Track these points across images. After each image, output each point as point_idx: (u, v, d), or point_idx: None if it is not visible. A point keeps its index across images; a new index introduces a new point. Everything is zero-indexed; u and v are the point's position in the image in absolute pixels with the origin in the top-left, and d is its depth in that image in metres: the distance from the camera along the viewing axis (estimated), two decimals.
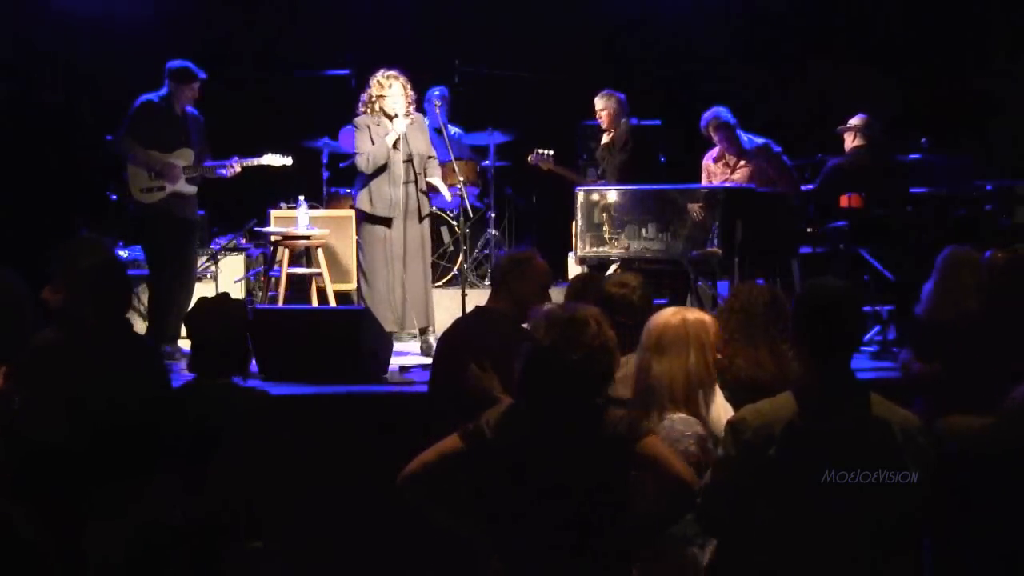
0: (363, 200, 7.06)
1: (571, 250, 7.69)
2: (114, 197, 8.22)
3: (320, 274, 7.70)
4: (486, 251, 9.09)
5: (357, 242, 7.30)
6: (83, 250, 3.82)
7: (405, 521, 3.32)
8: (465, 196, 7.36)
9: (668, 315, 3.67)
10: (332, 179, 9.01)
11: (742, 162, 7.72)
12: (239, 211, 8.62)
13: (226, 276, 8.27)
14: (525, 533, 3.08)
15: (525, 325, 3.90)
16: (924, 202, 6.95)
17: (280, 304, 7.44)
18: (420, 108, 7.55)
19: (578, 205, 7.21)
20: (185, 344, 5.81)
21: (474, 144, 9.33)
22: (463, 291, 7.18)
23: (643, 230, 6.95)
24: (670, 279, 7.18)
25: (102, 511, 3.53)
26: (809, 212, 7.13)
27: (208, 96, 7.19)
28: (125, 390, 3.61)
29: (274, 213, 8.41)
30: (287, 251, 7.68)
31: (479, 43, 9.78)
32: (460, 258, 7.49)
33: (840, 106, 7.65)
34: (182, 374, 5.36)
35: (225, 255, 8.35)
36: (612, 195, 7.20)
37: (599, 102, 8.40)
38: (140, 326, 7.42)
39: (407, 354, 6.99)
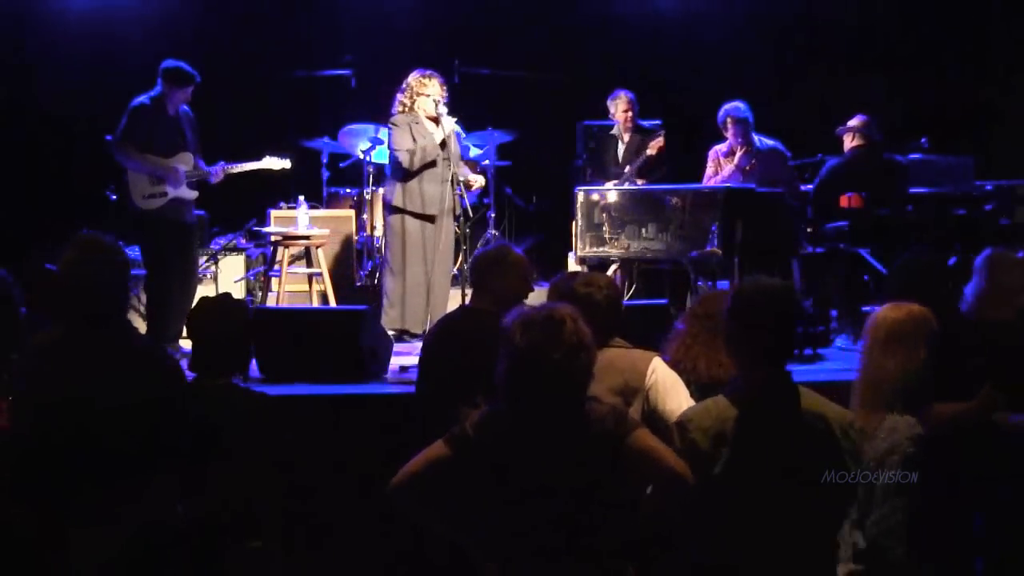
0: (402, 197, 7.10)
1: (571, 250, 7.70)
2: (114, 198, 8.22)
3: (320, 274, 7.70)
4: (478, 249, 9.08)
5: (385, 239, 7.31)
6: (82, 247, 3.81)
7: (405, 521, 3.32)
8: (465, 196, 7.37)
9: (894, 311, 3.75)
10: (332, 179, 9.02)
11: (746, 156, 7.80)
12: (239, 211, 8.62)
13: (226, 276, 8.27)
14: (518, 535, 3.08)
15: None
16: (924, 202, 6.95)
17: (280, 304, 7.44)
18: None
19: (578, 205, 7.22)
20: (186, 344, 5.80)
21: (474, 144, 9.33)
22: (463, 291, 7.18)
23: (643, 230, 6.96)
24: (670, 279, 7.19)
25: (101, 511, 3.53)
26: (808, 212, 7.13)
27: (208, 96, 7.18)
28: (122, 390, 3.60)
29: (274, 213, 8.41)
30: (287, 251, 7.68)
31: (479, 43, 9.78)
32: (460, 258, 7.50)
33: (841, 112, 7.65)
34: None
35: (225, 255, 8.36)
36: (612, 195, 7.20)
37: (622, 103, 8.41)
38: (140, 326, 7.43)
39: (407, 354, 6.99)
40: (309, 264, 7.96)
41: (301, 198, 7.85)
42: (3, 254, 6.26)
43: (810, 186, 7.60)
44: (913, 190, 7.28)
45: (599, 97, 8.61)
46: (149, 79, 7.11)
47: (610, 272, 7.77)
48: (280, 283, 7.55)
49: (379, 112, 7.83)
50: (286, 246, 7.66)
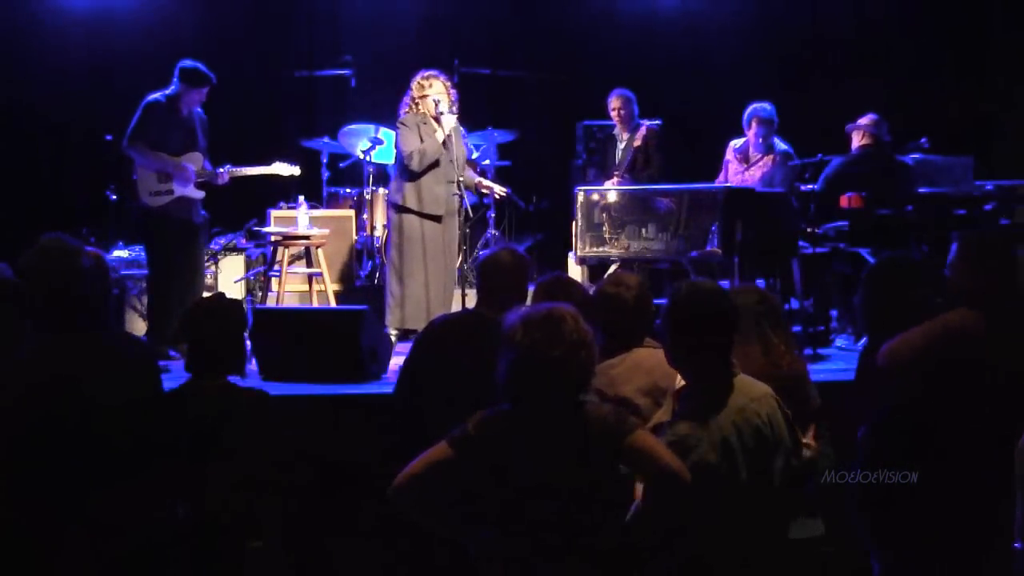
0: (408, 197, 7.10)
1: (571, 250, 7.70)
2: (114, 198, 8.23)
3: (320, 274, 7.70)
4: (486, 251, 9.08)
5: (390, 239, 7.32)
6: (42, 251, 3.76)
7: (405, 521, 3.32)
8: (465, 196, 7.37)
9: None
10: (332, 179, 9.02)
11: (761, 162, 7.81)
12: (239, 211, 8.62)
13: (226, 276, 8.27)
14: (518, 535, 3.08)
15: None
16: (924, 202, 6.94)
17: (280, 304, 7.44)
18: None
19: (578, 205, 7.21)
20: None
21: (474, 144, 9.32)
22: (463, 291, 7.19)
23: (643, 230, 6.95)
24: (670, 279, 7.17)
25: (99, 511, 3.53)
26: (811, 212, 7.12)
27: (208, 97, 7.18)
28: (115, 390, 3.59)
29: (274, 213, 8.41)
30: (287, 251, 7.68)
31: (479, 43, 9.78)
32: (460, 258, 7.50)
33: (841, 113, 7.65)
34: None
35: (225, 255, 8.36)
36: (612, 195, 7.20)
37: (615, 102, 8.42)
38: (140, 326, 7.43)
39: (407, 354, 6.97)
40: (309, 264, 7.95)
41: (301, 198, 7.85)
42: (2, 255, 6.26)
43: (810, 186, 7.59)
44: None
45: (599, 97, 8.61)
46: (149, 80, 7.12)
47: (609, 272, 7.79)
48: (280, 283, 7.54)
49: (379, 112, 7.85)
50: (286, 246, 7.66)
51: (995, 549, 3.54)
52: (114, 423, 3.54)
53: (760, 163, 7.89)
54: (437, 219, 7.10)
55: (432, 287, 7.07)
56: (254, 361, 6.07)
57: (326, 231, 7.90)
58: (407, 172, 7.08)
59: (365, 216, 8.62)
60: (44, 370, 3.59)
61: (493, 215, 8.98)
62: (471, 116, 9.25)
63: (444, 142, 7.05)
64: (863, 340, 7.02)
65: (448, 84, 7.23)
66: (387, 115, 7.38)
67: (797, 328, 6.44)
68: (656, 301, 4.38)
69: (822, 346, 6.75)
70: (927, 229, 6.80)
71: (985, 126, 9.53)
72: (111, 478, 3.53)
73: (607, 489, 3.08)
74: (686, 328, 3.33)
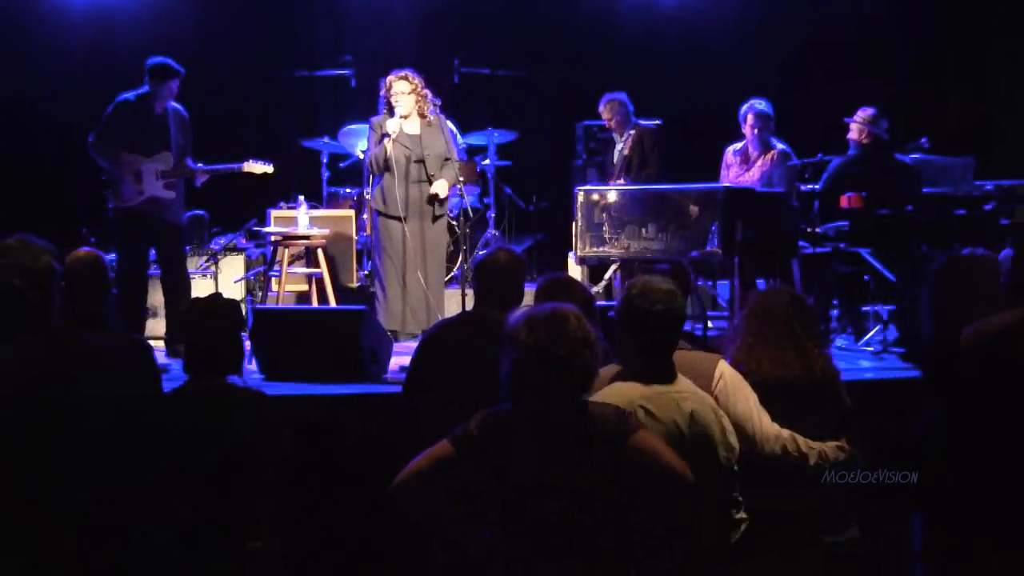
0: (376, 199, 7.26)
1: (571, 250, 7.70)
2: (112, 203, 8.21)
3: (320, 274, 7.70)
4: (483, 252, 9.09)
5: (373, 240, 7.37)
6: (5, 249, 3.71)
7: (404, 521, 3.32)
8: (464, 195, 7.38)
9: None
10: (332, 179, 9.02)
11: (759, 161, 7.80)
12: (239, 211, 8.62)
13: (226, 276, 8.27)
14: (519, 535, 3.08)
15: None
16: (924, 202, 6.94)
17: (280, 304, 7.44)
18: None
19: (578, 205, 7.21)
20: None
21: (474, 144, 9.33)
22: (463, 291, 7.19)
23: (643, 230, 6.95)
24: (670, 279, 7.15)
25: (99, 512, 3.52)
26: (814, 210, 7.12)
27: (208, 97, 7.18)
28: (110, 390, 3.57)
29: (274, 213, 8.42)
30: (287, 251, 7.68)
31: (479, 43, 9.79)
32: (460, 258, 7.50)
33: (840, 114, 7.64)
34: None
35: (225, 255, 8.36)
36: (612, 195, 7.20)
37: (605, 111, 8.42)
38: (159, 327, 7.40)
39: (407, 354, 6.97)
40: (309, 264, 7.96)
41: (301, 198, 7.85)
42: None
43: (811, 186, 7.59)
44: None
45: (599, 97, 8.62)
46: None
47: (610, 273, 7.79)
48: (280, 283, 7.54)
49: (379, 112, 7.83)
50: (286, 246, 7.66)
51: None
52: (110, 423, 3.53)
53: (759, 163, 7.89)
54: (399, 220, 7.12)
55: (411, 290, 7.12)
56: (254, 361, 6.07)
57: (326, 231, 7.90)
58: (375, 174, 7.21)
59: (365, 216, 8.62)
60: (28, 368, 3.54)
61: (493, 215, 8.98)
62: (471, 116, 9.27)
63: (400, 142, 7.07)
64: (863, 340, 7.06)
65: (417, 83, 7.19)
66: None
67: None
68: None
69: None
70: (927, 229, 6.79)
71: (985, 127, 9.53)
72: (111, 478, 3.53)
73: (608, 489, 3.08)
74: (636, 326, 3.47)
